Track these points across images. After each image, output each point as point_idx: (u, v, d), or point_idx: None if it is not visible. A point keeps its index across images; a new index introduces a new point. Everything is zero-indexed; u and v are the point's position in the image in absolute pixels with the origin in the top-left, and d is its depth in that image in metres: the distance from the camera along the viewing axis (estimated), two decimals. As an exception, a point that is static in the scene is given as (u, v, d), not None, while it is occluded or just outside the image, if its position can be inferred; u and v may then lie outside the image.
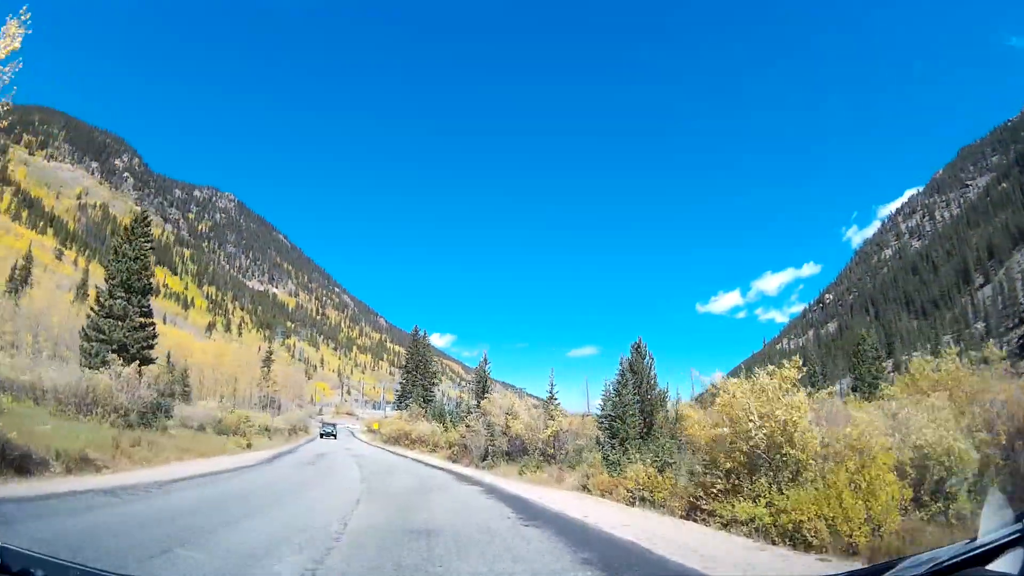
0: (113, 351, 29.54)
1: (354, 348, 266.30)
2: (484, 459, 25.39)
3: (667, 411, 25.66)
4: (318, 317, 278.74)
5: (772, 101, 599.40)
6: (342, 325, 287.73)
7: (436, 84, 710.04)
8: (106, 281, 32.31)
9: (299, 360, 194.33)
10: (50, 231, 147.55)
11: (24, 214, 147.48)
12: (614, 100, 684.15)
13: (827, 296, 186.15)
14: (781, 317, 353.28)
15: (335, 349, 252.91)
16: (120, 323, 30.36)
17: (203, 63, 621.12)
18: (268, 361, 67.58)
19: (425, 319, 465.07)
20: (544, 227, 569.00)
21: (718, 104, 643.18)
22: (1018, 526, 1.88)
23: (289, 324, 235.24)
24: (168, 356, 50.61)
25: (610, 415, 22.35)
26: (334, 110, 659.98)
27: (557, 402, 28.10)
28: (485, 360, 38.79)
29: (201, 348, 73.40)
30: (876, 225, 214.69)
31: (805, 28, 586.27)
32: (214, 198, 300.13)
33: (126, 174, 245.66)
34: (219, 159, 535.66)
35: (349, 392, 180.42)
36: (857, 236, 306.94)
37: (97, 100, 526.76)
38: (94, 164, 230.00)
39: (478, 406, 32.07)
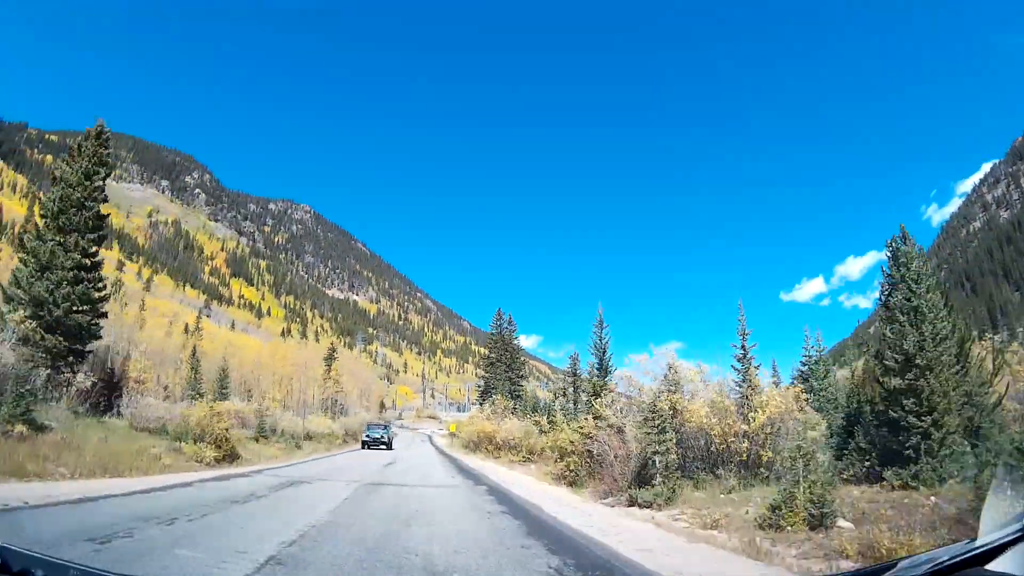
0: (29, 316, 19.07)
1: (438, 352, 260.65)
2: (641, 483, 12.29)
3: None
4: (400, 322, 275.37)
5: (839, 88, 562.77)
6: (425, 329, 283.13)
7: (515, 83, 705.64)
8: (40, 219, 22.09)
9: (382, 365, 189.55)
10: (116, 245, 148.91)
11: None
12: (673, 94, 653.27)
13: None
14: (865, 302, 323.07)
15: (419, 354, 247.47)
16: (48, 274, 19.86)
17: (268, 77, 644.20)
18: (330, 359, 57.54)
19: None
20: (630, 223, 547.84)
21: (787, 97, 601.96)
22: (1018, 526, 1.79)
23: (371, 330, 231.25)
24: (194, 351, 41.18)
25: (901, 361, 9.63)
26: (408, 114, 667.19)
27: (756, 363, 15.01)
28: (601, 324, 25.60)
29: (255, 348, 64.52)
30: (956, 202, 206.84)
31: (860, 11, 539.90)
32: (290, 210, 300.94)
33: (197, 190, 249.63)
34: (293, 172, 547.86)
35: (433, 395, 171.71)
36: (937, 214, 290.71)
37: (167, 122, 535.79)
38: (164, 183, 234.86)
39: (604, 386, 19.06)
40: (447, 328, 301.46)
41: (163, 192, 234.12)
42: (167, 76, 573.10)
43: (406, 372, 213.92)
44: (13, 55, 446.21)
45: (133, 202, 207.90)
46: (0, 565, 1.97)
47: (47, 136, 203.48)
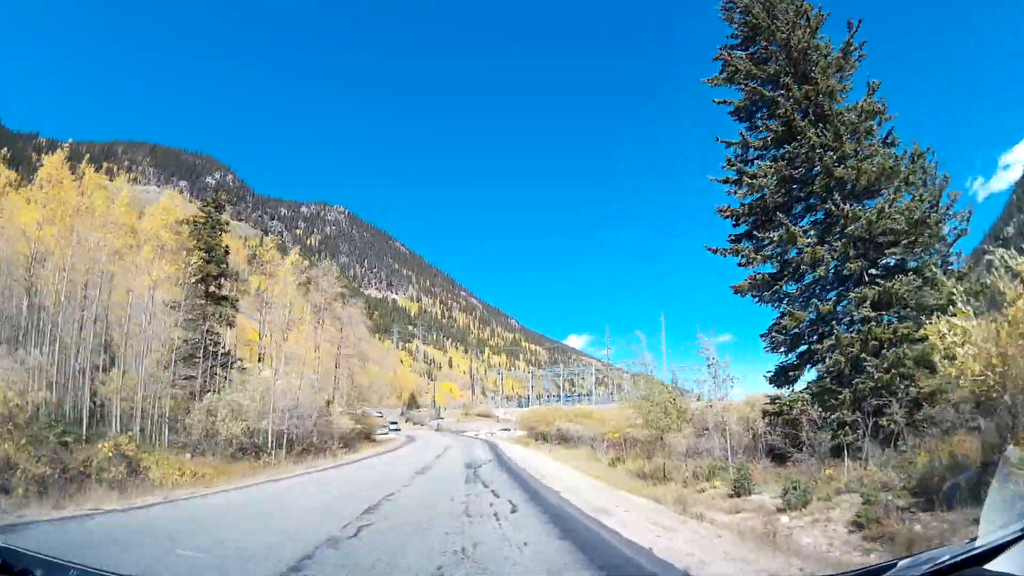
0: None
1: (486, 349, 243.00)
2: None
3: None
4: (444, 320, 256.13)
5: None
6: (471, 327, 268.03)
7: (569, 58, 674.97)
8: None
9: (423, 362, 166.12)
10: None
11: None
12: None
13: (1007, 229, 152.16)
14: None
15: (465, 351, 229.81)
16: None
17: (299, 82, 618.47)
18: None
19: (559, 320, 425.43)
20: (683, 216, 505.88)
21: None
22: (1018, 526, 1.82)
23: (410, 327, 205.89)
24: None
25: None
26: (447, 108, 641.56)
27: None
28: None
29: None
30: (1003, 175, 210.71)
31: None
32: (323, 212, 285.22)
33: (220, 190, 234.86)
34: (327, 175, 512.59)
35: (483, 392, 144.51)
36: (983, 189, 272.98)
37: (196, 132, 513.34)
38: (183, 183, 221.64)
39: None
40: (494, 326, 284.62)
41: (181, 192, 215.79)
42: (193, 83, 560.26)
43: (452, 369, 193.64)
44: (32, 67, 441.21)
45: (147, 204, 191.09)
46: (0, 565, 1.94)
47: (59, 144, 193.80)
